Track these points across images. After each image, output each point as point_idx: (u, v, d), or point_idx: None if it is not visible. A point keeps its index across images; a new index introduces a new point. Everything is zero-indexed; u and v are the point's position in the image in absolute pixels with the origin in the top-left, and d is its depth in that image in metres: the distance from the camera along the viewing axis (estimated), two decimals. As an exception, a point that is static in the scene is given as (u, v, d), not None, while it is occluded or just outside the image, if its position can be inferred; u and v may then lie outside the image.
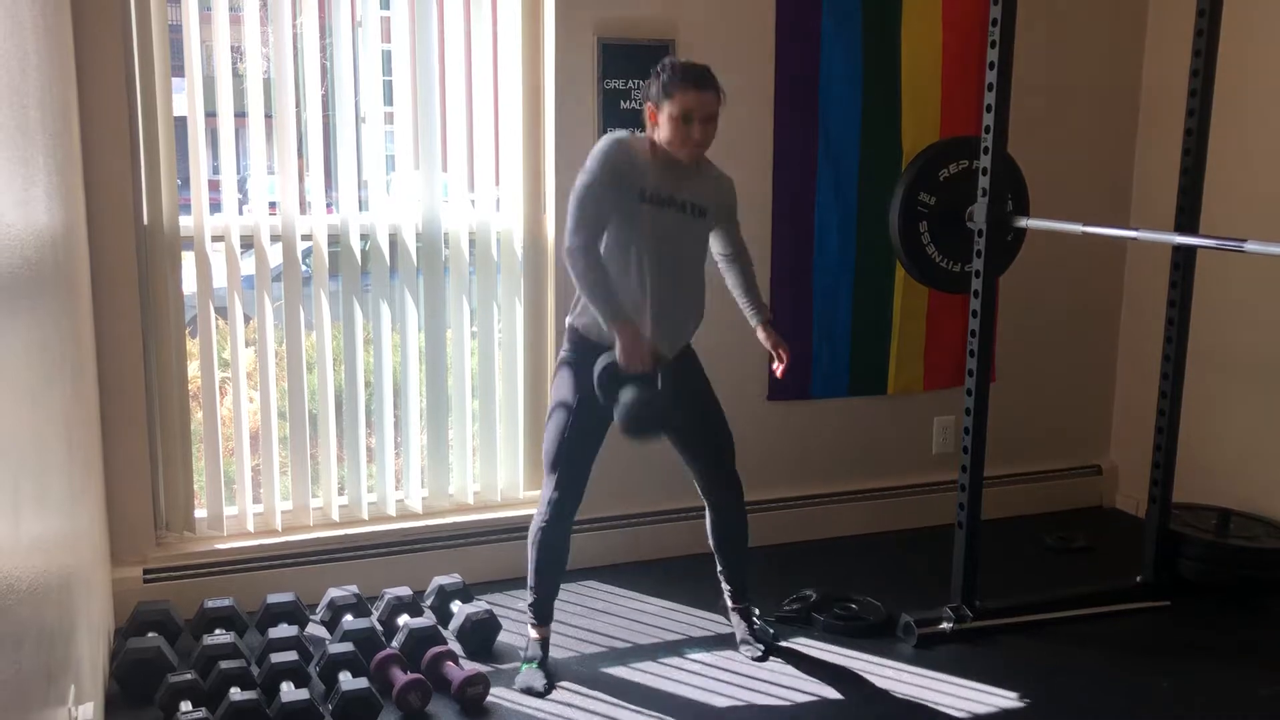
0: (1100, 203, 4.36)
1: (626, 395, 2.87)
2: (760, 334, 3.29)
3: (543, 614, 3.19)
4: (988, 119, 3.27)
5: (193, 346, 3.54)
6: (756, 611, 3.46)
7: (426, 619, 3.26)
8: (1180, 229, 3.42)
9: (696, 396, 3.17)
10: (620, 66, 3.68)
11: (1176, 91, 3.56)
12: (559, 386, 3.09)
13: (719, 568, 3.35)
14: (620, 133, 3.01)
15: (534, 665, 3.12)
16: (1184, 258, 3.48)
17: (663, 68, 2.95)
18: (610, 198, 2.91)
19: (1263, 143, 3.88)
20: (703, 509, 3.30)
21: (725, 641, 3.35)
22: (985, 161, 3.30)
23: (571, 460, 3.07)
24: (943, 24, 4.04)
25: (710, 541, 3.32)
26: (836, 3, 3.90)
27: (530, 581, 3.16)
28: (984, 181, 3.31)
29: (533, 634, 3.19)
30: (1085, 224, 3.32)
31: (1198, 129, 3.39)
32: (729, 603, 3.39)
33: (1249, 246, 2.79)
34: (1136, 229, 3.53)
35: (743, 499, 3.27)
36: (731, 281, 3.31)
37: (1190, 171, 3.41)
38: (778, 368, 3.25)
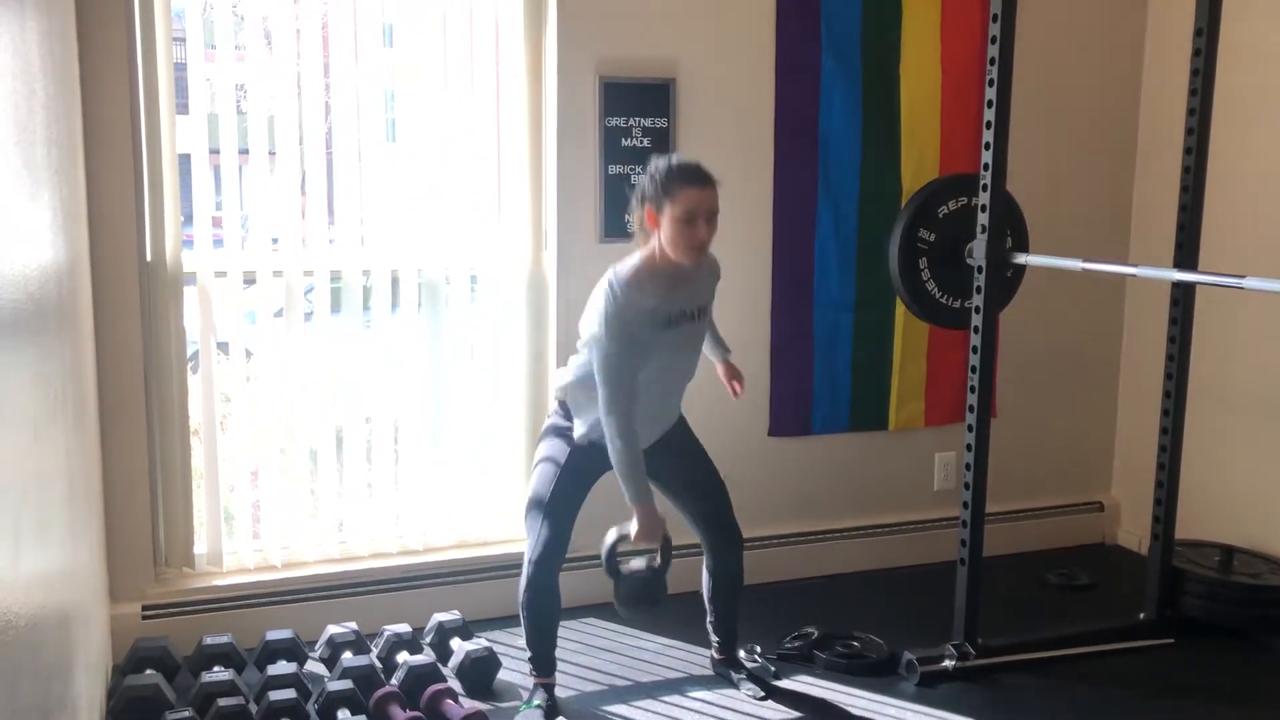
0: (1099, 238, 4.38)
1: (632, 567, 2.97)
2: (720, 370, 3.34)
3: (544, 667, 3.17)
4: (986, 156, 3.29)
5: (194, 382, 3.54)
6: (758, 648, 3.45)
7: (426, 656, 3.24)
8: (1179, 265, 3.44)
9: (691, 457, 3.20)
10: (621, 105, 3.71)
11: (1174, 127, 3.58)
12: (546, 449, 3.10)
13: (710, 618, 3.35)
14: (614, 272, 2.89)
15: (534, 705, 3.10)
16: (1183, 293, 3.49)
17: (656, 169, 2.88)
18: (635, 353, 2.87)
19: (1262, 177, 3.90)
20: (698, 546, 3.29)
21: (727, 680, 3.33)
22: (984, 198, 3.32)
23: (554, 522, 3.06)
24: (941, 61, 4.08)
25: (706, 591, 3.32)
26: (836, 41, 3.94)
27: (527, 639, 3.15)
28: (983, 218, 3.32)
29: (535, 681, 3.17)
30: (1085, 260, 3.33)
31: (1195, 165, 3.42)
32: (715, 654, 3.38)
33: (1248, 283, 2.79)
34: (1135, 265, 3.54)
35: (743, 551, 3.27)
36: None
37: (1189, 208, 3.43)
38: (739, 390, 3.32)
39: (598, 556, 3.27)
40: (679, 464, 3.17)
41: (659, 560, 3.00)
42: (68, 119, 2.82)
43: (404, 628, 3.39)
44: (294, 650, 3.27)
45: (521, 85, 3.70)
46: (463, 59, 3.69)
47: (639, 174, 2.96)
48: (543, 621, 3.12)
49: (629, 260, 2.92)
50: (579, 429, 3.05)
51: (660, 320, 2.91)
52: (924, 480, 4.33)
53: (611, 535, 2.96)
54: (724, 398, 3.38)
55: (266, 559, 3.60)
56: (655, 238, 2.89)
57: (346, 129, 3.55)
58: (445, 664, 3.32)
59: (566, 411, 3.10)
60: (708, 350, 3.28)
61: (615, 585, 2.98)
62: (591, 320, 2.90)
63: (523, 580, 3.09)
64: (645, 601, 2.99)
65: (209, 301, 3.46)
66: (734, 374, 3.33)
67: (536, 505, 3.08)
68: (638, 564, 2.98)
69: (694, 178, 2.85)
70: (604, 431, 2.90)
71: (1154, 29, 4.35)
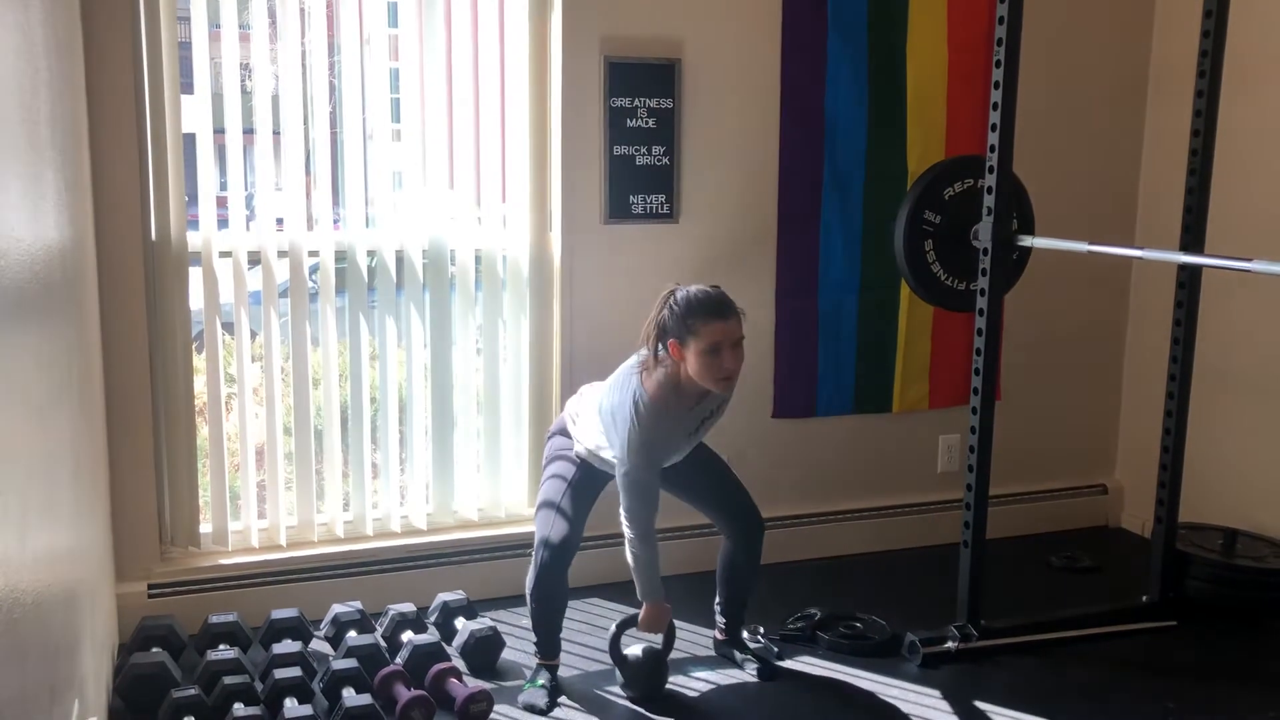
0: (1106, 221, 4.36)
1: (636, 652, 3.12)
2: None
3: (549, 649, 3.19)
4: (993, 138, 3.28)
5: (199, 362, 3.55)
6: (761, 629, 3.46)
7: (430, 635, 3.26)
8: (1185, 248, 3.43)
9: (705, 458, 3.24)
10: (626, 85, 3.69)
11: (1182, 109, 3.56)
12: (554, 458, 3.16)
13: (719, 598, 3.36)
14: (639, 391, 2.92)
15: (538, 685, 3.12)
16: (1189, 276, 3.48)
17: (675, 302, 2.89)
18: (658, 468, 2.99)
19: (1270, 160, 3.89)
20: (708, 526, 3.30)
21: (730, 660, 3.34)
22: (990, 180, 3.31)
23: (567, 518, 3.09)
24: (948, 43, 4.06)
25: (721, 574, 3.33)
26: (842, 22, 3.92)
27: (534, 623, 3.17)
28: (989, 200, 3.31)
29: (540, 661, 3.19)
30: (1091, 242, 3.32)
31: (1203, 148, 3.40)
32: (719, 635, 3.39)
33: (1255, 266, 2.79)
34: (1142, 248, 3.53)
35: (764, 534, 3.30)
36: None
37: (1195, 191, 3.42)
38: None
39: (606, 537, 3.29)
40: (694, 469, 3.20)
41: (662, 644, 3.17)
42: (72, 99, 2.82)
43: (408, 607, 3.40)
44: (299, 629, 3.29)
45: (526, 65, 3.68)
46: (467, 39, 3.68)
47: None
48: (550, 610, 3.14)
49: (654, 377, 2.93)
50: (582, 447, 3.12)
51: (682, 438, 3.03)
52: (928, 462, 4.33)
53: (615, 625, 3.13)
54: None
55: (272, 538, 3.61)
56: (681, 365, 2.91)
57: (351, 109, 3.54)
58: (450, 643, 3.34)
59: (565, 431, 3.17)
60: None
61: (619, 670, 3.12)
62: (613, 432, 2.95)
63: (533, 572, 3.11)
64: (649, 685, 3.13)
65: (214, 281, 3.46)
66: None
67: (548, 506, 3.12)
68: (638, 649, 3.13)
69: (715, 311, 2.86)
70: (622, 529, 2.99)
71: (1162, 10, 4.32)
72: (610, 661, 3.16)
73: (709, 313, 2.85)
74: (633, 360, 3.01)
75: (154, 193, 3.34)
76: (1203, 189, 3.42)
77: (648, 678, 3.13)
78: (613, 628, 3.14)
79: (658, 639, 3.19)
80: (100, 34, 3.17)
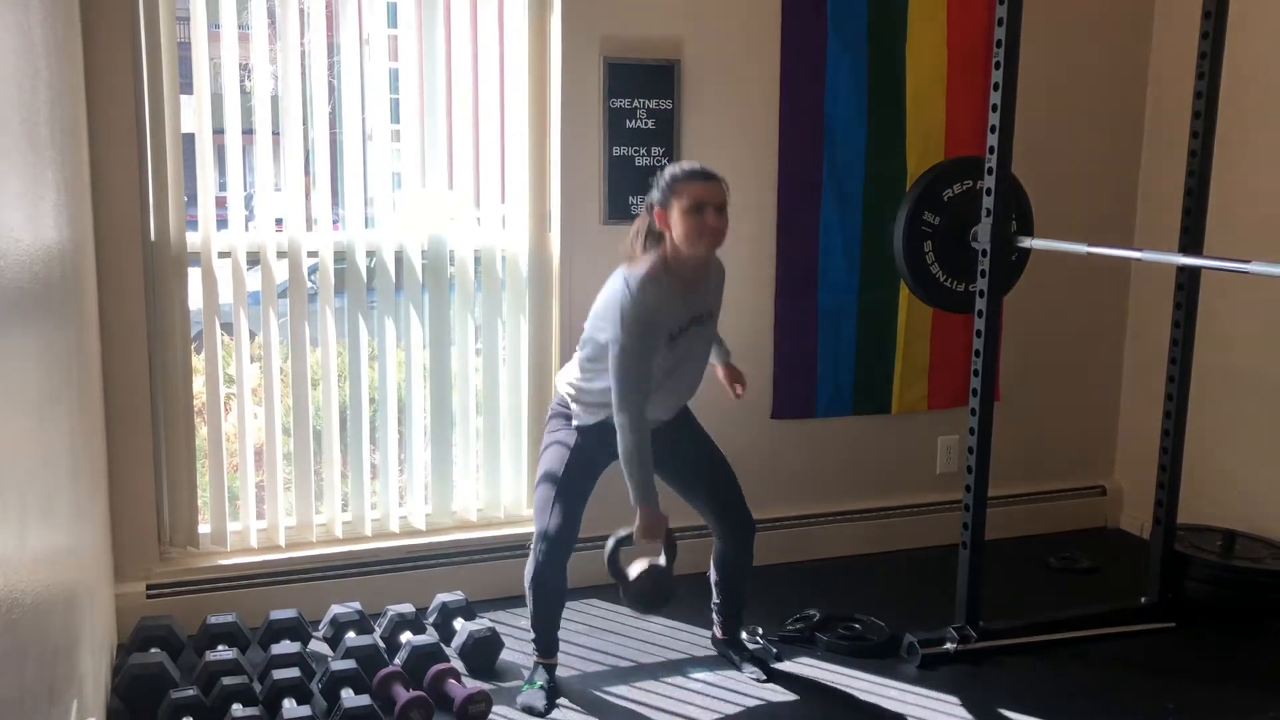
0: (1105, 222, 4.36)
1: (636, 569, 2.97)
2: (721, 372, 3.34)
3: (547, 648, 3.18)
4: (992, 139, 3.28)
5: (198, 362, 3.55)
6: (760, 630, 3.46)
7: (429, 636, 3.26)
8: (1184, 249, 3.43)
9: (699, 449, 3.23)
10: (626, 86, 3.70)
11: (1181, 110, 3.57)
12: (553, 434, 3.13)
13: (715, 599, 3.36)
14: (628, 272, 2.91)
15: (536, 686, 3.12)
16: (1188, 278, 3.48)
17: (661, 176, 2.95)
18: (651, 347, 2.92)
19: (1268, 162, 3.89)
20: (705, 528, 3.30)
21: (728, 660, 3.35)
22: (989, 181, 3.31)
23: (565, 504, 3.07)
24: (947, 44, 4.06)
25: (714, 575, 3.33)
26: (842, 22, 3.92)
27: (532, 620, 3.17)
28: (988, 201, 3.32)
29: (537, 661, 3.19)
30: (1090, 244, 3.32)
31: (1201, 150, 3.40)
32: (718, 633, 3.39)
33: (1254, 267, 2.79)
34: (1141, 249, 3.53)
35: (754, 534, 3.28)
36: None
37: (1194, 192, 3.42)
38: (740, 391, 3.33)
39: (600, 537, 3.27)
40: (687, 457, 3.19)
41: (663, 558, 3.03)
42: (71, 99, 2.82)
43: (407, 608, 3.40)
44: (298, 630, 3.29)
45: (525, 65, 3.68)
46: (467, 39, 3.68)
47: (652, 169, 3.01)
48: (549, 604, 3.14)
49: (642, 262, 2.93)
50: (583, 417, 3.07)
51: (674, 330, 2.96)
52: (926, 463, 4.33)
53: (613, 539, 3.00)
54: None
55: (270, 539, 3.61)
56: (667, 240, 2.92)
57: (351, 109, 3.54)
58: (448, 644, 3.34)
59: (567, 401, 3.12)
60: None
61: (621, 587, 3.01)
62: (603, 320, 2.92)
63: (531, 562, 3.10)
64: (653, 601, 3.02)
65: (212, 282, 3.46)
66: (735, 376, 3.34)
67: (549, 482, 3.08)
68: (641, 564, 3.00)
69: (697, 174, 2.93)
70: (614, 424, 2.91)
71: (1161, 11, 4.33)
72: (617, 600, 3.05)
73: (691, 175, 2.91)
74: (617, 270, 3.01)
75: (153, 193, 3.34)
76: (1202, 189, 3.42)
77: (651, 592, 3.00)
78: (610, 540, 2.99)
79: (659, 553, 3.04)
80: (100, 34, 3.17)
